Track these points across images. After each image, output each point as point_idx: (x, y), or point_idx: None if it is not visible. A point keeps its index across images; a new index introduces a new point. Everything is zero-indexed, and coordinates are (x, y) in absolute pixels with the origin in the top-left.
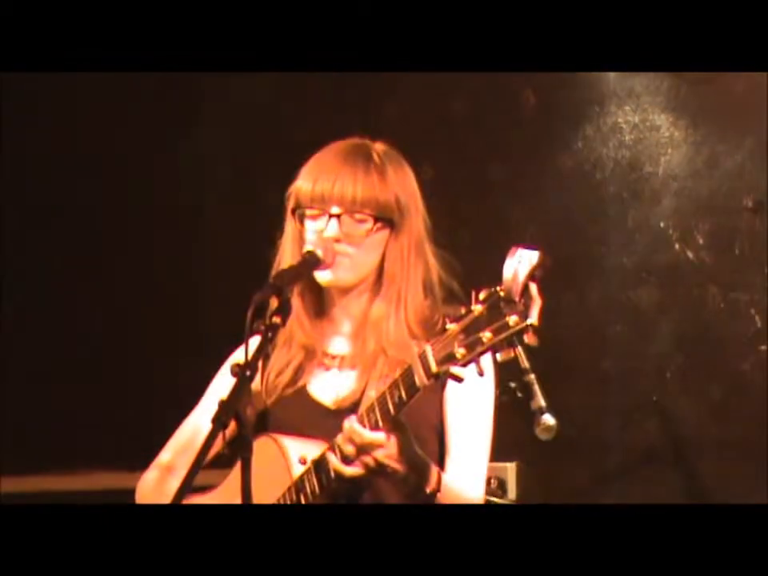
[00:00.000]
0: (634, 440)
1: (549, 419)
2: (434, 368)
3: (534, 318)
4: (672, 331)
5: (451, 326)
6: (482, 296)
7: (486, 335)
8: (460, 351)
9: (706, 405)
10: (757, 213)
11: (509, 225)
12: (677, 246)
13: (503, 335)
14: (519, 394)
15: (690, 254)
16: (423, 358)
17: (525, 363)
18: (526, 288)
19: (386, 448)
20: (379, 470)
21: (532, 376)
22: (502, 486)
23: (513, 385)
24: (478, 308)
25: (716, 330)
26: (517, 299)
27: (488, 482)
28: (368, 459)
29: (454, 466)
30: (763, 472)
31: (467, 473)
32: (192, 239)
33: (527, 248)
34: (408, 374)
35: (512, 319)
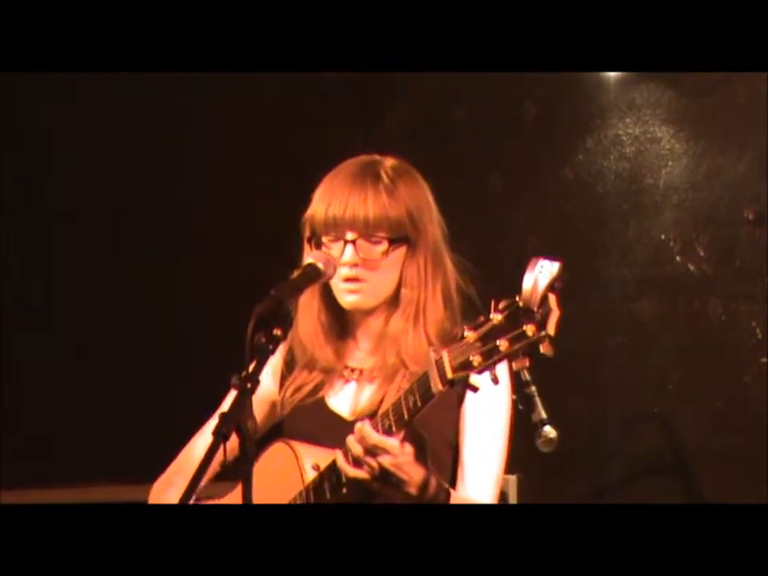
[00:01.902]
0: (635, 451)
1: (550, 431)
2: (449, 374)
3: (550, 329)
4: (673, 343)
5: (468, 334)
6: (500, 305)
7: (503, 344)
8: (476, 359)
9: (707, 416)
10: (757, 225)
11: (509, 236)
12: (677, 257)
13: (519, 344)
14: (520, 407)
15: (690, 266)
16: (439, 364)
17: (526, 376)
18: (544, 299)
19: (394, 456)
20: (383, 476)
21: (533, 388)
22: (503, 498)
23: (514, 397)
24: (496, 317)
25: (717, 341)
26: (535, 309)
27: None
28: (373, 463)
29: (467, 481)
30: (764, 483)
31: (480, 490)
32: (196, 250)
33: (548, 259)
34: (424, 380)
35: (529, 329)
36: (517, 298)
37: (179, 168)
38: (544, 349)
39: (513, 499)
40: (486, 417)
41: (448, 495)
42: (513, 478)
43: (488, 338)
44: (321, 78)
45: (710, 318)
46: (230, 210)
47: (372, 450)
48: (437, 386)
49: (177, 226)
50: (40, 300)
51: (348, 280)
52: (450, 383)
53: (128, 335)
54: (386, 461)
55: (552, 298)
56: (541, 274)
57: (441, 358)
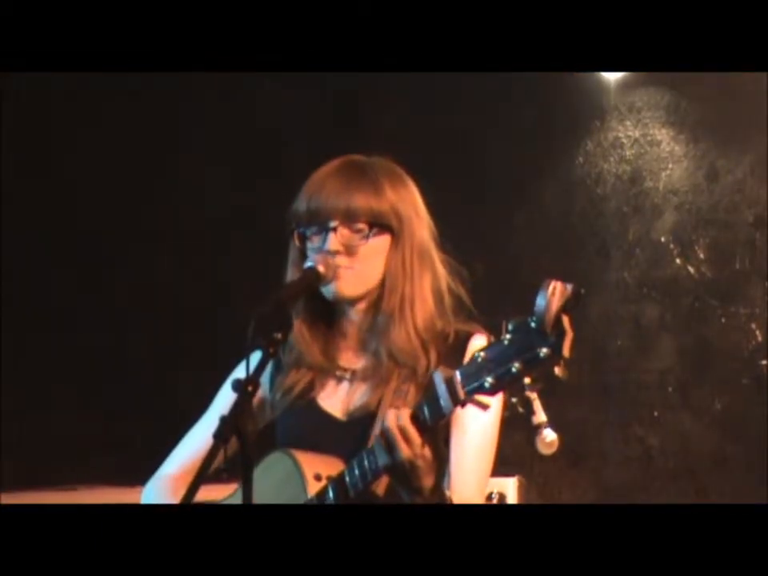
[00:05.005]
0: (635, 454)
1: (550, 434)
2: (461, 395)
3: (566, 351)
4: (673, 345)
5: (480, 354)
6: (511, 326)
7: (516, 366)
8: (489, 381)
9: (707, 419)
10: (757, 227)
11: (510, 239)
12: (677, 260)
13: (534, 367)
14: (521, 409)
15: (690, 269)
16: (450, 383)
17: (527, 380)
18: (558, 320)
19: (416, 445)
20: (402, 459)
21: (534, 392)
22: (503, 500)
23: (514, 400)
24: (507, 337)
25: (716, 344)
26: (548, 331)
27: (490, 497)
28: (399, 438)
29: (455, 482)
30: (764, 485)
31: (469, 491)
32: (195, 251)
33: (561, 280)
34: (434, 399)
35: (543, 351)
36: (529, 319)
37: (179, 167)
38: (559, 371)
39: (513, 501)
40: (478, 419)
41: (449, 500)
42: (513, 480)
43: (501, 359)
44: (319, 77)
45: (709, 321)
46: (229, 210)
47: (402, 430)
48: (448, 406)
49: (177, 227)
50: (40, 300)
51: (330, 268)
52: (461, 404)
53: (128, 337)
54: (405, 446)
55: (566, 320)
56: (554, 296)
57: (452, 377)
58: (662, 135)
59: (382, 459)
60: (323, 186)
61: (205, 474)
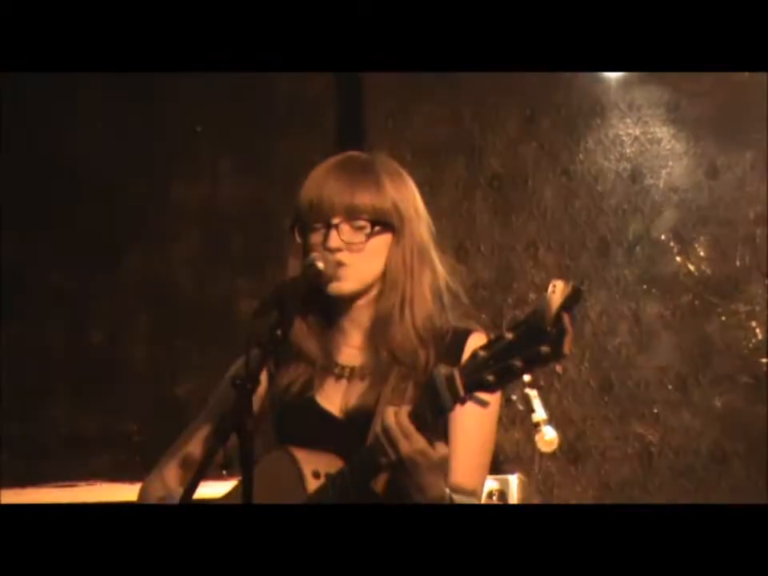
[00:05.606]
0: (635, 452)
1: (549, 432)
2: (461, 393)
3: (566, 349)
4: (673, 343)
5: (481, 352)
6: (512, 323)
7: (517, 363)
8: (489, 378)
9: (707, 416)
10: (757, 224)
11: (510, 237)
12: (678, 257)
13: (535, 364)
14: (520, 407)
15: (690, 266)
16: (450, 381)
17: (527, 377)
18: (558, 318)
19: (416, 443)
20: (401, 456)
21: (534, 389)
22: (503, 497)
23: (514, 398)
24: (508, 335)
25: (717, 341)
26: (549, 328)
27: (490, 495)
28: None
29: (455, 479)
30: (764, 484)
31: (468, 487)
32: (195, 250)
33: (561, 278)
34: (434, 397)
35: (544, 349)
36: (530, 317)
37: (179, 167)
38: (559, 369)
39: (513, 499)
40: (477, 414)
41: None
42: (513, 478)
43: (501, 356)
44: (319, 77)
45: (709, 318)
46: (229, 211)
47: (402, 428)
48: (448, 403)
49: (178, 226)
50: (40, 299)
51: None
52: (461, 401)
53: (127, 335)
54: (406, 444)
55: (566, 318)
56: (554, 294)
57: (452, 374)
58: (663, 133)
59: (382, 457)
60: (325, 182)
61: (204, 471)
